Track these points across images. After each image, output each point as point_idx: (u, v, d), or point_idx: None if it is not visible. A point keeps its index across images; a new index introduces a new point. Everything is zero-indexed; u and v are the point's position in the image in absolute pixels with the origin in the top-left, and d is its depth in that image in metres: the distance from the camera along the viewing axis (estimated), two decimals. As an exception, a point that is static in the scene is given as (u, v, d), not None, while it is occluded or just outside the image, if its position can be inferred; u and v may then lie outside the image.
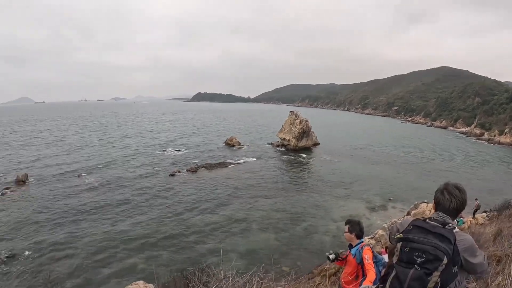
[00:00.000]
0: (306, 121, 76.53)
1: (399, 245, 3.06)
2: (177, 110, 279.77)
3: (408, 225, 3.17)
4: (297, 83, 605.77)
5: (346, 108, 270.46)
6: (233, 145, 76.74)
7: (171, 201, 37.64)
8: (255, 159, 61.53)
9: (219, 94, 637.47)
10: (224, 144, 78.54)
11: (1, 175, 49.49)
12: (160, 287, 12.51)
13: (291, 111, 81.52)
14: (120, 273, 22.89)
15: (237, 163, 58.24)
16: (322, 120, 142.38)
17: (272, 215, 33.31)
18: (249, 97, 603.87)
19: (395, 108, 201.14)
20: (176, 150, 71.07)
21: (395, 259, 3.08)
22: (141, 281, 12.62)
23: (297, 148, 72.85)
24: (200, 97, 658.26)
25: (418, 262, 2.80)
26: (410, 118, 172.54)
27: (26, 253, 25.98)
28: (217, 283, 7.55)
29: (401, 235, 3.08)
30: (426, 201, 29.41)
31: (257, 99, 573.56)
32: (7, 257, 25.36)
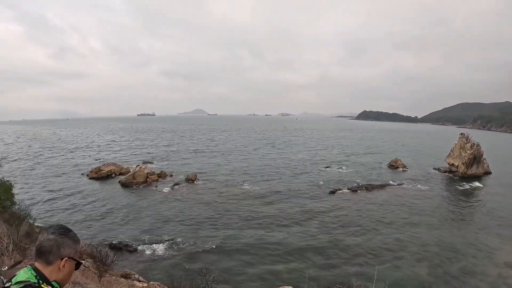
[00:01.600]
0: (478, 145, 67.69)
1: None
2: (342, 128, 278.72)
3: None
4: (468, 102, 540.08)
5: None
6: (397, 167, 73.18)
7: (328, 218, 38.29)
8: (418, 184, 57.39)
9: (384, 113, 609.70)
10: (388, 166, 75.60)
11: (176, 173, 58.54)
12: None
13: (461, 134, 73.37)
14: (266, 276, 24.40)
15: (399, 187, 55.51)
16: (494, 145, 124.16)
17: (429, 247, 30.84)
18: (416, 117, 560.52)
19: None
20: (339, 168, 71.70)
21: None
22: (290, 287, 13.94)
23: (466, 176, 64.90)
24: (365, 115, 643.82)
25: None
26: None
27: (184, 239, 30.38)
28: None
29: None
30: None
31: (424, 119, 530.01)
32: (168, 240, 30.24)
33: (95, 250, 19.12)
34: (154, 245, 29.44)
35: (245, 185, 53.01)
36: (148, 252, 28.22)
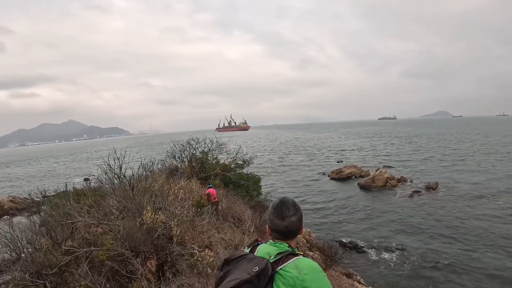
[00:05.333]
0: None
1: None
2: None
3: None
4: None
5: None
6: None
7: None
8: None
9: None
10: None
11: (416, 180, 51.22)
12: None
13: None
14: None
15: None
16: None
17: None
18: None
19: None
20: None
21: None
22: None
23: None
24: None
25: None
26: None
27: (413, 250, 25.87)
28: None
29: None
30: None
31: None
32: (397, 248, 26.61)
33: (326, 245, 19.46)
34: (381, 250, 27.10)
35: (494, 199, 42.95)
36: (374, 256, 26.29)
